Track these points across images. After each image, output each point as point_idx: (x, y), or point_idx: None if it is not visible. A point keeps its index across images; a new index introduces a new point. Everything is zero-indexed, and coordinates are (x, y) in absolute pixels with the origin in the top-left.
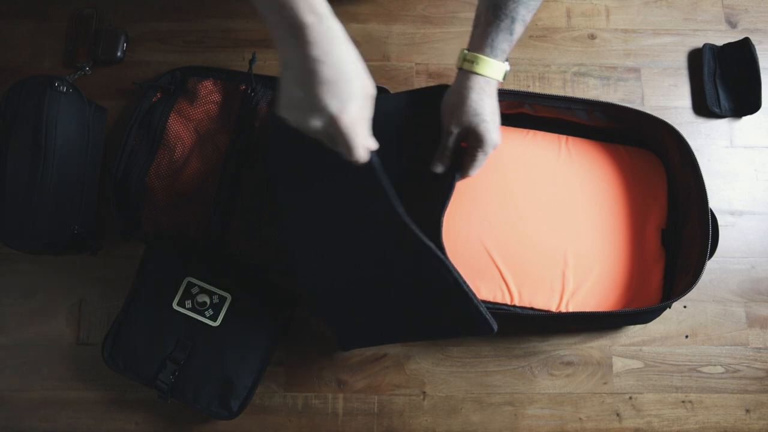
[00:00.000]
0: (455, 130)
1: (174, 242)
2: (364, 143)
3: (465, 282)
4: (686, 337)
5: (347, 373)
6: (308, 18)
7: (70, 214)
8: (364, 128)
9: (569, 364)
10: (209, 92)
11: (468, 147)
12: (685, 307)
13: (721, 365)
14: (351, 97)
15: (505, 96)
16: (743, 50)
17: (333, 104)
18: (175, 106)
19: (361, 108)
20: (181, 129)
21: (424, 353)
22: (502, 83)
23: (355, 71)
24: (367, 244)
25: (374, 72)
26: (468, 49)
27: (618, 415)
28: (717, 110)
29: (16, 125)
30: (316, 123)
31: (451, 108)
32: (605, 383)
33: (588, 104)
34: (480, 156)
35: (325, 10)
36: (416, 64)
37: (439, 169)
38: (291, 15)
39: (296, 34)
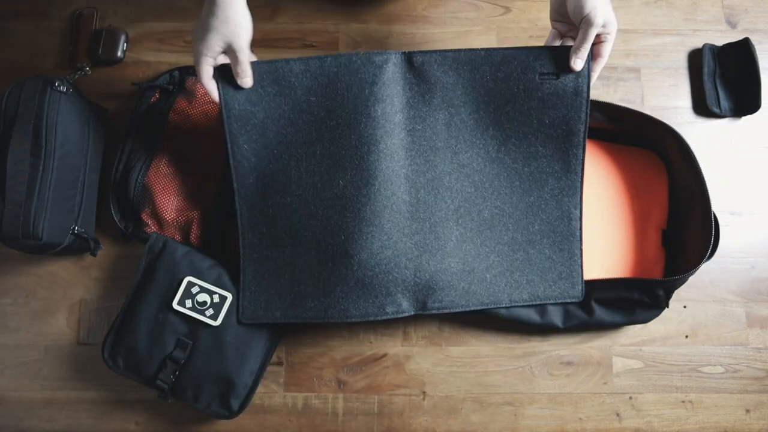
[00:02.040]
0: (602, 22)
1: (174, 241)
2: (207, 76)
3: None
4: (686, 337)
5: (347, 373)
6: None
7: (70, 214)
8: (206, 66)
9: (569, 364)
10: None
11: (598, 36)
12: (685, 307)
13: (721, 365)
14: (209, 41)
15: None
16: (743, 50)
17: (197, 45)
18: (174, 106)
19: (214, 50)
20: (180, 128)
21: (424, 353)
22: None
23: (216, 26)
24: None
25: None
26: None
27: (618, 415)
28: (717, 110)
29: (16, 125)
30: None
31: (594, 3)
32: (605, 383)
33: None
34: (611, 40)
35: None
36: None
37: (580, 65)
38: None
39: None
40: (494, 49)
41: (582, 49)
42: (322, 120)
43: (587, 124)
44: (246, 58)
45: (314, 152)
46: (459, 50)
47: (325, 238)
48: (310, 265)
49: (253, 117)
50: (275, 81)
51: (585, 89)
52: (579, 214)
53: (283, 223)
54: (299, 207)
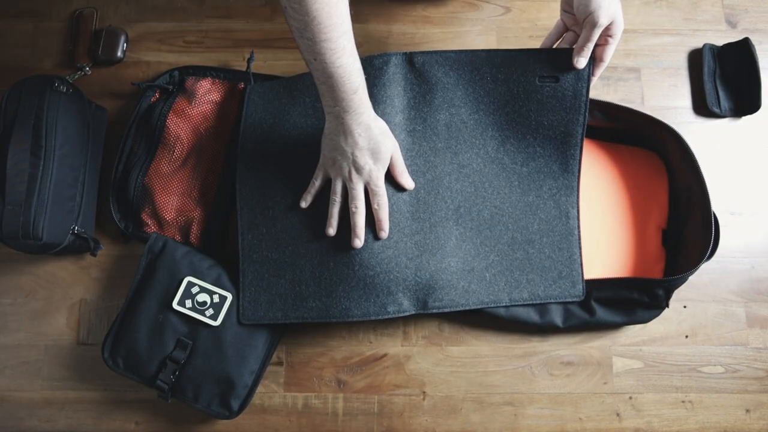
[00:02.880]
0: (606, 22)
1: (174, 241)
2: (383, 191)
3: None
4: (686, 337)
5: (347, 373)
6: (347, 91)
7: (70, 214)
8: (382, 177)
9: (569, 364)
10: (207, 91)
11: (602, 37)
12: (685, 307)
13: (721, 365)
14: (382, 157)
15: None
16: (743, 50)
17: (370, 163)
18: (174, 106)
19: (387, 163)
20: (179, 128)
21: (424, 353)
22: None
23: (382, 137)
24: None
25: None
26: None
27: (618, 415)
28: (717, 110)
29: (16, 125)
30: (357, 177)
31: (599, 2)
32: (605, 383)
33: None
34: (615, 42)
35: (361, 82)
36: None
37: (583, 63)
38: (334, 88)
39: (337, 103)
40: (495, 51)
41: (585, 48)
42: None
43: (585, 126)
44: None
45: (316, 154)
46: (460, 51)
47: (326, 238)
48: (311, 265)
49: (264, 122)
50: (289, 92)
51: (584, 92)
52: (576, 214)
53: (284, 223)
54: (300, 207)
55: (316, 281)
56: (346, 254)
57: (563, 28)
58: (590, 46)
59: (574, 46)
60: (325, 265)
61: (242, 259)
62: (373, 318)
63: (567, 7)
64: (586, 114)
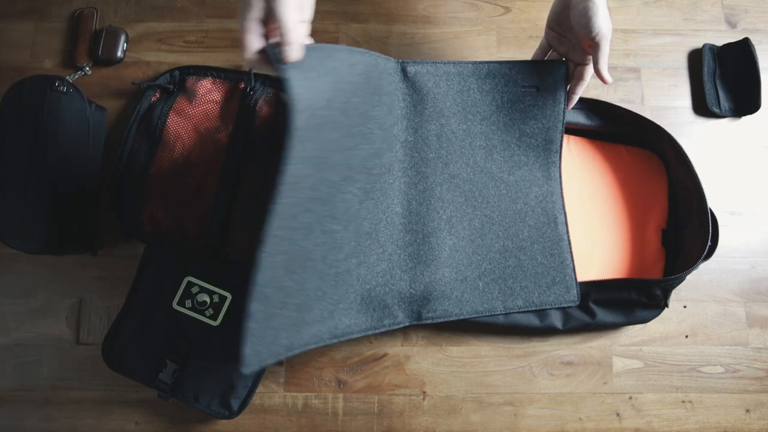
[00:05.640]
0: (609, 34)
1: (174, 241)
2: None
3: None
4: (686, 337)
5: (347, 373)
6: None
7: (70, 214)
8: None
9: (569, 364)
10: (208, 91)
11: (585, 57)
12: (685, 307)
13: (721, 365)
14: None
15: None
16: (743, 50)
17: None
18: (174, 106)
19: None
20: (180, 128)
21: (424, 353)
22: None
23: None
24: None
25: None
26: None
27: (618, 415)
28: (717, 110)
29: (16, 125)
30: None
31: (603, 20)
32: (605, 383)
33: (587, 104)
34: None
35: None
36: None
37: (609, 77)
38: None
39: None
40: (481, 63)
41: (604, 62)
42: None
43: (563, 134)
44: (291, 22)
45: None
46: (449, 62)
47: (329, 255)
48: (314, 286)
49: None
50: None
51: (562, 100)
52: (564, 219)
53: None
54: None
55: (318, 301)
56: (346, 270)
57: (547, 48)
58: (606, 58)
59: (594, 66)
60: (327, 283)
61: (254, 297)
62: (369, 333)
63: (555, 25)
64: (564, 121)
